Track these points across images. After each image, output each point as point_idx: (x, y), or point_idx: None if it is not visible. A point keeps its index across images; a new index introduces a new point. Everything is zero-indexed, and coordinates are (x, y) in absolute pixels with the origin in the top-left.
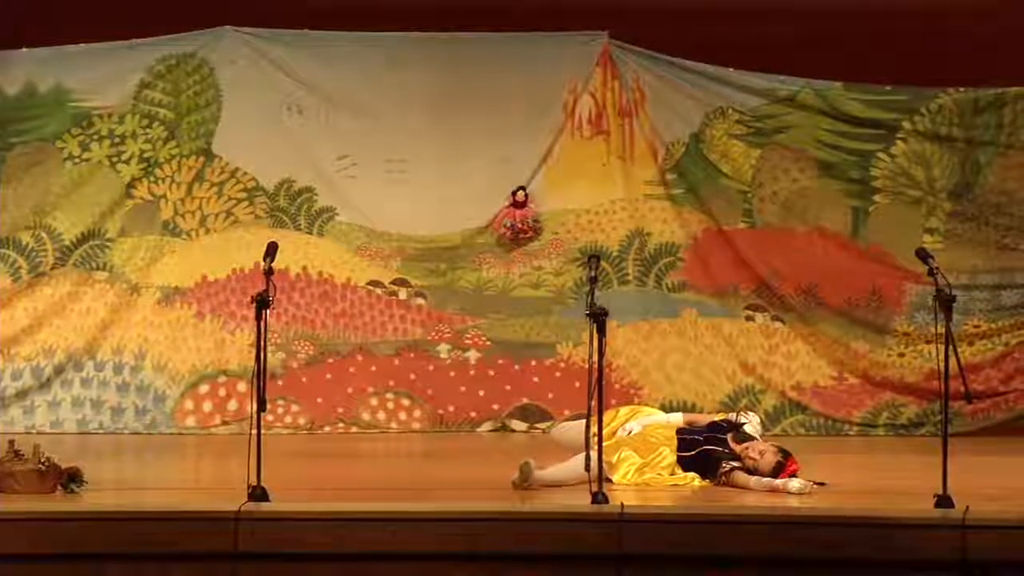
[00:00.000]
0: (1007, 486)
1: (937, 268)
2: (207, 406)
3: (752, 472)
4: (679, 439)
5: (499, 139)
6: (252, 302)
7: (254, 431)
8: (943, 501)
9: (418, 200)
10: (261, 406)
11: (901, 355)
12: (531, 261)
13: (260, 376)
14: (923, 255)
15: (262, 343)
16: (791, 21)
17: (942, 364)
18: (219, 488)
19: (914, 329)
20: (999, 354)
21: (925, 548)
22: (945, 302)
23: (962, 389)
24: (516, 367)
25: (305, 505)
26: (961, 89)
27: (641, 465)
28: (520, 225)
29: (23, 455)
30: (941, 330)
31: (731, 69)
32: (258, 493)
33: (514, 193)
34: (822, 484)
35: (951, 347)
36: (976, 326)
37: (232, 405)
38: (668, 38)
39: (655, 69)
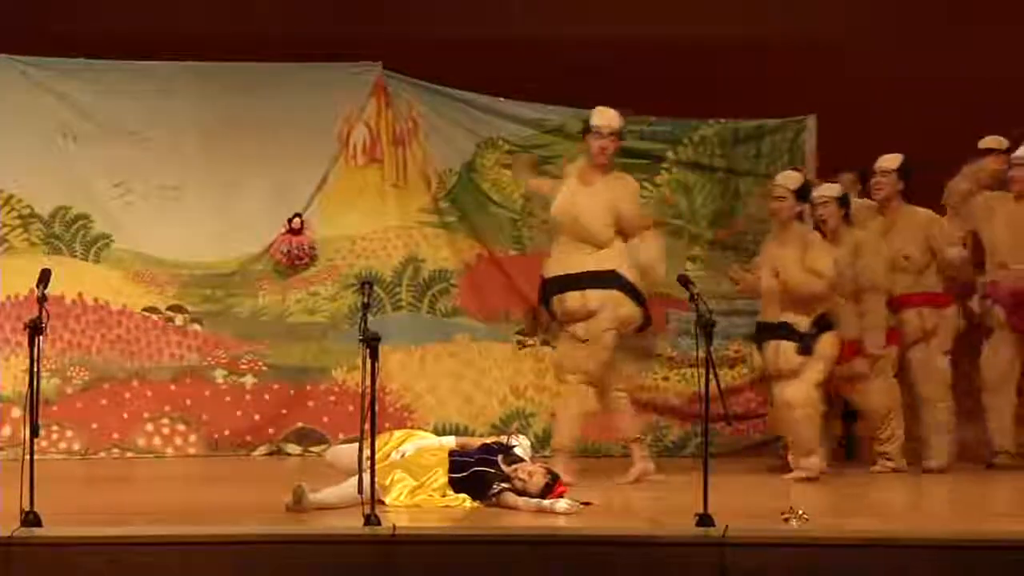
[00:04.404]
0: (764, 505)
1: (698, 294)
2: None
3: (521, 493)
4: (451, 461)
5: (275, 167)
6: (25, 328)
7: (27, 457)
8: (704, 520)
9: (194, 227)
10: (34, 432)
11: (665, 379)
12: (307, 287)
13: (33, 401)
14: (684, 281)
15: (35, 369)
16: (561, 52)
17: (703, 387)
18: None
19: (678, 353)
20: (757, 377)
21: (686, 565)
22: (705, 327)
23: (722, 411)
24: (291, 391)
25: (79, 530)
26: (723, 120)
27: (414, 487)
28: (296, 251)
29: None
30: (703, 354)
31: (501, 99)
32: (31, 518)
33: (290, 220)
34: (588, 504)
35: (711, 371)
36: (736, 350)
37: (6, 431)
38: (442, 69)
39: (428, 99)
